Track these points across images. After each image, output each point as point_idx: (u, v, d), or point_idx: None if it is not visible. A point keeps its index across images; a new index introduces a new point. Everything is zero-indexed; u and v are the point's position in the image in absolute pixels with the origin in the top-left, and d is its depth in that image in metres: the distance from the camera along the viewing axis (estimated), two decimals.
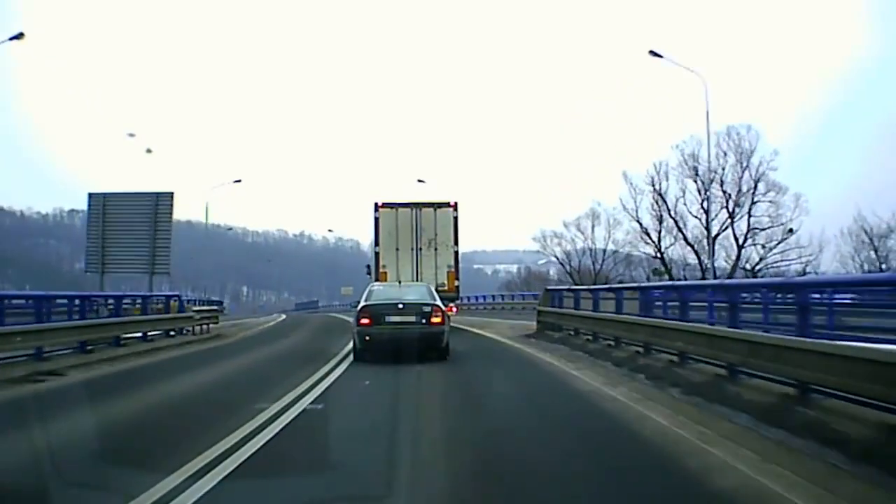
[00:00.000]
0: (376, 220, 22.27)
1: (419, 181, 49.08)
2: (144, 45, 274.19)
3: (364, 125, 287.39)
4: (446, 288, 21.67)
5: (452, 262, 22.30)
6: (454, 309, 21.72)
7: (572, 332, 16.73)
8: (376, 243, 22.31)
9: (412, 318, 12.56)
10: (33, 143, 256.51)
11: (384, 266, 21.89)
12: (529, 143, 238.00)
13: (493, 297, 50.76)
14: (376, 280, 20.64)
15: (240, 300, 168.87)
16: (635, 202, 50.61)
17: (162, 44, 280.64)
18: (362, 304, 13.09)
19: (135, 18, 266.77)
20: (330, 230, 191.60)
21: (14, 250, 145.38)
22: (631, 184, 50.30)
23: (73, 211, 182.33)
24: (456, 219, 22.38)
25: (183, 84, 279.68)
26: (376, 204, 22.38)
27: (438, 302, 13.34)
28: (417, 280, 20.57)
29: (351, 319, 15.52)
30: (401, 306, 12.73)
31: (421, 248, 22.09)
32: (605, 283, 56.25)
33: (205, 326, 24.43)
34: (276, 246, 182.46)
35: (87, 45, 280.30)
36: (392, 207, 22.37)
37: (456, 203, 22.50)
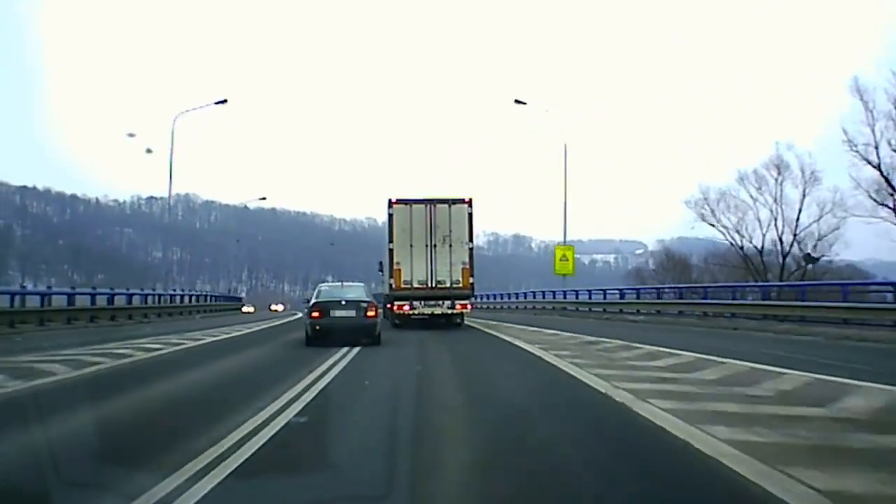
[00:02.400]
0: (390, 216, 21.22)
1: (517, 101, 31.53)
2: (157, 43, 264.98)
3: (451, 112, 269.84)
4: (461, 285, 20.86)
5: (467, 259, 20.99)
6: (468, 306, 21.50)
7: None
8: (390, 240, 21.08)
9: (353, 313, 14.65)
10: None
11: (398, 263, 20.85)
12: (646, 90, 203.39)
13: (637, 291, 30.38)
14: (390, 277, 20.86)
15: None
16: (873, 131, 29.31)
17: (179, 40, 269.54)
18: (313, 301, 15.08)
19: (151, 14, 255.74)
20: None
21: (88, 239, 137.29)
22: (864, 102, 29.01)
23: (151, 198, 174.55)
24: (471, 215, 21.27)
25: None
26: (390, 200, 21.37)
27: (372, 300, 15.37)
28: (432, 277, 20.76)
29: None
30: (343, 303, 14.75)
31: (435, 245, 20.94)
32: (801, 275, 36.66)
33: None
34: (364, 234, 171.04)
35: (87, 44, 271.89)
36: (406, 204, 21.29)
37: (471, 199, 21.42)
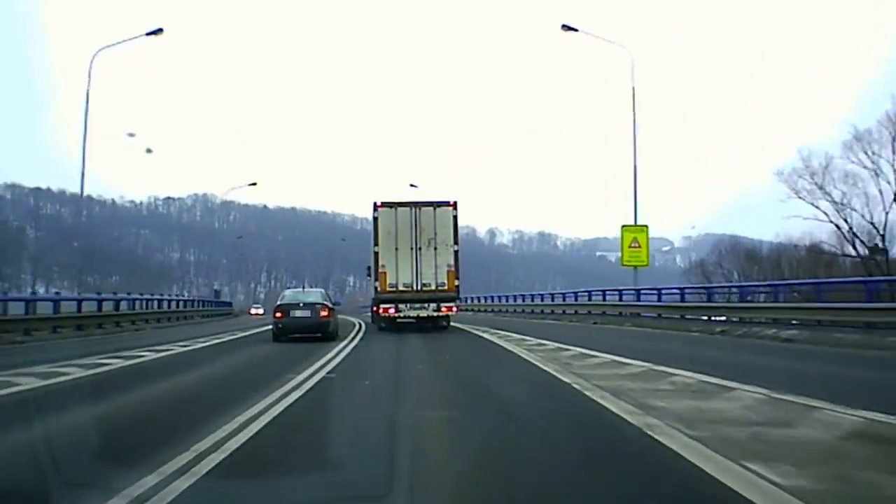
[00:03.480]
0: (375, 219, 20.89)
1: (565, 27, 26.21)
2: (155, 43, 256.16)
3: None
4: (446, 288, 20.50)
5: (452, 262, 20.63)
6: (454, 309, 21.32)
7: None
8: (375, 243, 20.73)
9: (308, 313, 17.18)
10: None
11: (383, 266, 20.58)
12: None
13: (774, 289, 21.42)
14: (375, 280, 20.77)
15: (345, 291, 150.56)
16: None
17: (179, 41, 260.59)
18: (277, 303, 18.02)
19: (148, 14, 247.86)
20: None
21: (103, 241, 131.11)
22: None
23: (169, 199, 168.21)
24: (455, 218, 20.90)
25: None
26: (375, 203, 21.05)
27: (327, 302, 17.90)
28: (417, 280, 20.47)
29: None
30: (301, 305, 17.42)
31: (420, 248, 20.54)
32: None
33: None
34: None
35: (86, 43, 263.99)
36: (391, 207, 21.00)
37: (455, 202, 21.01)
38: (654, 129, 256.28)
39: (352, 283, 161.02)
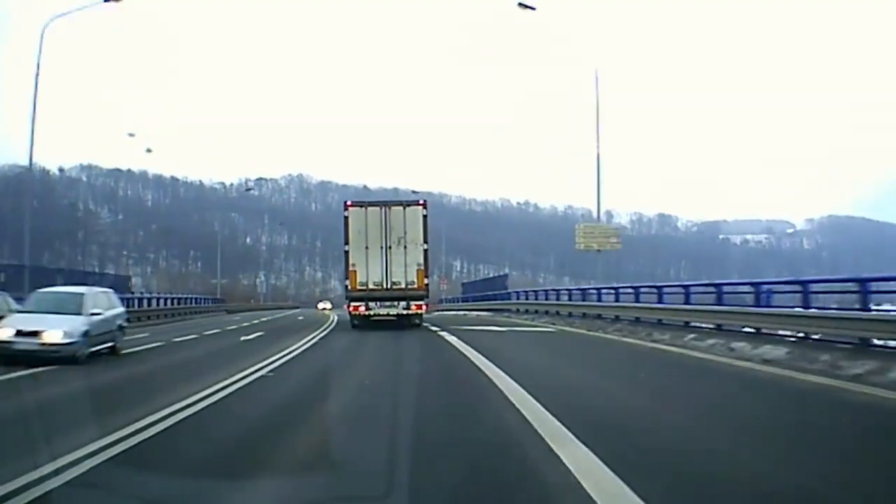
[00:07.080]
0: (345, 218, 21.78)
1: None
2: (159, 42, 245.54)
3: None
4: (416, 286, 21.49)
5: (422, 261, 21.58)
6: (424, 307, 22.23)
7: None
8: (346, 242, 21.65)
9: None
10: None
11: (353, 265, 21.43)
12: None
13: None
14: (346, 278, 21.84)
15: (451, 276, 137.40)
16: None
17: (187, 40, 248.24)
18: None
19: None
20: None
21: (186, 224, 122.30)
22: None
23: (260, 180, 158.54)
24: (426, 217, 21.76)
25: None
26: (345, 203, 22.52)
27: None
28: (387, 279, 21.30)
29: None
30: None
31: (390, 247, 21.37)
32: None
33: None
34: (498, 215, 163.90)
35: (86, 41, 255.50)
36: (361, 206, 22.11)
37: (425, 202, 22.21)
38: (765, 107, 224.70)
39: (458, 267, 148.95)
